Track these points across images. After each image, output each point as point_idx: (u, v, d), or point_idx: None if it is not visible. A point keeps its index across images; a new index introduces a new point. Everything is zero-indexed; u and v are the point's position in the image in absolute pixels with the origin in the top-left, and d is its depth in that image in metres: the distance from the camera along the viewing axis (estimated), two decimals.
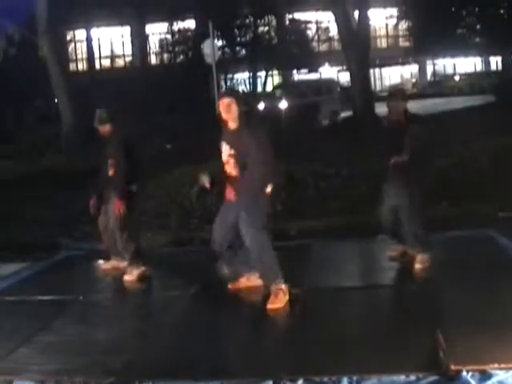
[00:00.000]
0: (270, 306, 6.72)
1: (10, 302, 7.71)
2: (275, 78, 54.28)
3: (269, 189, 6.90)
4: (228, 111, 6.88)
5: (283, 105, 31.73)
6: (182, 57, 46.24)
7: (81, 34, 52.53)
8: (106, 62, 55.99)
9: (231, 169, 6.92)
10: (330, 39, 54.93)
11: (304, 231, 9.77)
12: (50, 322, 6.80)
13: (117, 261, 8.54)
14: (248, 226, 6.80)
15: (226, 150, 6.94)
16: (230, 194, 6.93)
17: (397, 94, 8.20)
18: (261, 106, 31.43)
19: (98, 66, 53.87)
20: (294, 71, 52.20)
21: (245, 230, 6.83)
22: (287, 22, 48.88)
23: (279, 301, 6.76)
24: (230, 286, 7.37)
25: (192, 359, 5.64)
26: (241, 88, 48.83)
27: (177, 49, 47.46)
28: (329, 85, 35.73)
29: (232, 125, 6.95)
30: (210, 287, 7.70)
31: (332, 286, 7.49)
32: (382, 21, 56.32)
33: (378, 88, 57.86)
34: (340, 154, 13.94)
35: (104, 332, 6.53)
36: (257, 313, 6.75)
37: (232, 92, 7.34)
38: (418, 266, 7.62)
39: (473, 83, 50.68)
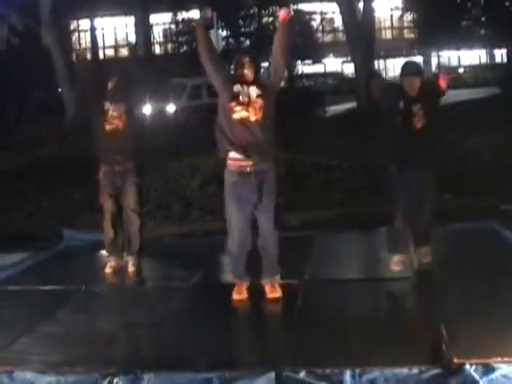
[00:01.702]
0: (271, 295, 6.74)
1: (12, 291, 7.70)
2: None
3: None
4: (250, 69, 6.69)
5: (171, 108, 28.32)
6: (186, 47, 46.24)
7: (85, 23, 52.48)
8: (110, 52, 56.01)
9: (254, 113, 6.59)
10: (334, 30, 54.96)
11: (306, 222, 9.76)
12: (51, 312, 6.79)
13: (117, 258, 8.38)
14: (270, 218, 6.69)
15: (248, 91, 6.64)
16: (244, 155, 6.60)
17: (414, 68, 7.62)
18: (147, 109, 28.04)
19: (101, 56, 53.82)
20: (298, 62, 52.16)
21: (265, 220, 6.70)
22: (292, 13, 48.83)
23: (278, 290, 6.79)
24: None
25: (194, 350, 5.62)
26: None
27: (181, 39, 47.47)
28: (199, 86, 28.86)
29: (250, 78, 6.73)
30: (211, 278, 7.70)
31: (334, 277, 7.47)
32: (387, 12, 56.25)
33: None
34: (343, 145, 13.93)
35: (106, 322, 6.53)
36: (258, 304, 6.74)
37: (251, 52, 7.14)
38: (425, 259, 7.52)
39: (477, 75, 50.59)
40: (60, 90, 23.54)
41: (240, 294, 6.89)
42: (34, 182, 13.52)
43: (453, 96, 32.95)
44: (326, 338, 5.70)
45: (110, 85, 8.07)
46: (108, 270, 8.14)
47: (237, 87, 6.64)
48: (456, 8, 38.39)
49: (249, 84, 6.66)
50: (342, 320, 6.16)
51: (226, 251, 7.16)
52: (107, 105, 7.95)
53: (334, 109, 30.20)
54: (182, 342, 5.88)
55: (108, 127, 7.93)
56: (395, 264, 7.47)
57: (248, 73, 6.71)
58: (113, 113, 7.92)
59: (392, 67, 61.08)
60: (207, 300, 7.03)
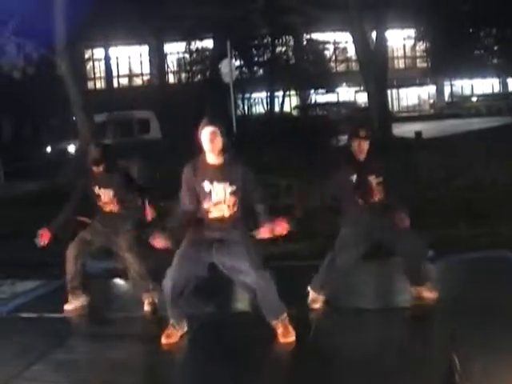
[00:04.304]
0: (284, 339, 6.46)
1: (25, 319, 7.72)
2: (293, 98, 54.47)
3: None
4: (213, 141, 6.26)
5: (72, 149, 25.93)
6: (199, 76, 46.51)
7: (99, 52, 52.93)
8: (124, 81, 56.37)
9: (227, 209, 6.37)
10: (347, 60, 55.18)
11: (316, 252, 9.72)
12: (64, 340, 6.80)
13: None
14: (251, 265, 6.35)
15: (219, 188, 6.33)
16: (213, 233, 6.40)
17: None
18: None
19: (116, 85, 54.17)
20: (312, 91, 52.36)
21: (247, 270, 6.36)
22: (305, 42, 49.14)
23: (291, 333, 6.50)
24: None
25: (202, 381, 5.63)
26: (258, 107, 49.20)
27: (195, 68, 47.75)
28: (145, 121, 27.22)
29: (217, 158, 6.37)
30: (221, 309, 7.69)
31: (344, 307, 7.44)
32: (400, 42, 56.48)
33: (396, 109, 57.94)
34: None
35: (118, 350, 6.52)
36: (265, 339, 6.68)
37: (215, 120, 6.43)
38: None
39: (490, 104, 50.65)
40: (74, 118, 23.62)
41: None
42: (50, 209, 13.53)
43: (466, 125, 32.96)
44: (336, 368, 5.69)
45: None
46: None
47: (207, 185, 6.33)
48: (469, 37, 38.55)
49: (219, 178, 6.33)
50: (353, 350, 6.13)
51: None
52: None
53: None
54: (191, 372, 5.89)
55: None
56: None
57: (216, 156, 6.35)
58: None
59: (405, 96, 61.34)
60: (216, 331, 6.98)
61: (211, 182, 6.31)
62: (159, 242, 6.20)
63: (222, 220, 6.37)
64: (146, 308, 7.84)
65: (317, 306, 7.37)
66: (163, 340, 6.56)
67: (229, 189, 6.32)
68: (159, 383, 5.67)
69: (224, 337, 6.74)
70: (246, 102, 47.42)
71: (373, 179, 7.15)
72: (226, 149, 6.35)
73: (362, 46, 26.90)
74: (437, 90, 61.65)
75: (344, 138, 29.31)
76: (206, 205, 6.35)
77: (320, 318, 7.06)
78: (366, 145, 7.19)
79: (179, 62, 51.18)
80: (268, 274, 6.39)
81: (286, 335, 6.45)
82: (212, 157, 6.35)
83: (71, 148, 25.99)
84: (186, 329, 6.74)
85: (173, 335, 6.63)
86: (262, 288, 6.38)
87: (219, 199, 6.33)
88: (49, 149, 26.08)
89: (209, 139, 6.24)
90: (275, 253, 9.40)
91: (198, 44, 47.13)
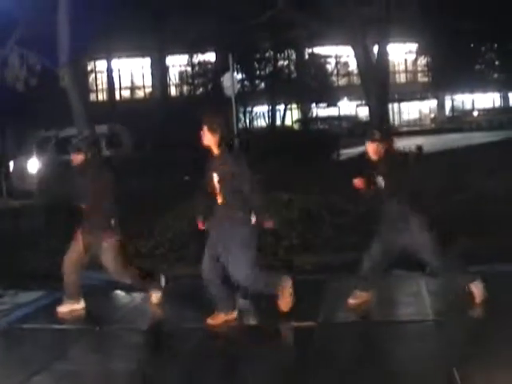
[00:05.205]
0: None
1: (27, 330, 7.74)
2: (294, 112, 54.59)
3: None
4: (203, 137, 6.95)
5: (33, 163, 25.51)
6: (201, 89, 46.62)
7: (102, 64, 53.05)
8: (126, 93, 56.50)
9: (218, 196, 6.99)
10: (349, 74, 55.32)
11: (320, 266, 9.75)
12: (66, 351, 6.82)
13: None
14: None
15: (213, 177, 7.00)
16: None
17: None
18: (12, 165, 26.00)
19: (118, 97, 54.25)
20: (313, 105, 52.49)
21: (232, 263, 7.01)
22: (307, 56, 49.28)
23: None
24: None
25: None
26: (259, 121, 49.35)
27: (197, 81, 47.88)
28: (117, 135, 26.92)
29: (216, 150, 7.00)
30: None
31: (346, 321, 7.46)
32: (401, 56, 56.63)
33: (397, 123, 58.03)
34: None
35: (119, 362, 6.54)
36: (270, 346, 6.72)
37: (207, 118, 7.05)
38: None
39: (491, 119, 50.70)
40: (77, 130, 23.70)
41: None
42: (53, 221, 13.58)
43: (467, 139, 33.01)
44: (338, 380, 5.71)
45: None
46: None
47: (209, 174, 7.07)
48: (470, 52, 38.68)
49: (213, 167, 7.01)
50: (353, 364, 6.15)
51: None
52: None
53: (348, 152, 30.21)
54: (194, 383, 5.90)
55: None
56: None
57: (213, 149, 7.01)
58: None
59: (406, 110, 61.45)
60: (221, 342, 7.02)
61: (212, 171, 6.99)
62: None
63: (221, 205, 6.98)
64: (153, 299, 8.27)
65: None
66: (214, 322, 7.22)
67: (216, 178, 6.93)
68: None
69: (225, 347, 6.77)
70: (247, 115, 47.51)
71: None
72: (220, 142, 6.93)
73: (363, 60, 26.96)
74: (438, 104, 61.77)
75: (345, 152, 29.45)
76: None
77: (320, 332, 7.07)
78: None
79: (181, 75, 51.34)
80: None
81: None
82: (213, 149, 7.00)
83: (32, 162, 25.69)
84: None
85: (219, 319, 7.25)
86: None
87: (215, 187, 6.97)
88: (11, 163, 25.67)
89: (210, 151, 6.99)
90: (277, 266, 9.44)
91: (200, 57, 47.30)
